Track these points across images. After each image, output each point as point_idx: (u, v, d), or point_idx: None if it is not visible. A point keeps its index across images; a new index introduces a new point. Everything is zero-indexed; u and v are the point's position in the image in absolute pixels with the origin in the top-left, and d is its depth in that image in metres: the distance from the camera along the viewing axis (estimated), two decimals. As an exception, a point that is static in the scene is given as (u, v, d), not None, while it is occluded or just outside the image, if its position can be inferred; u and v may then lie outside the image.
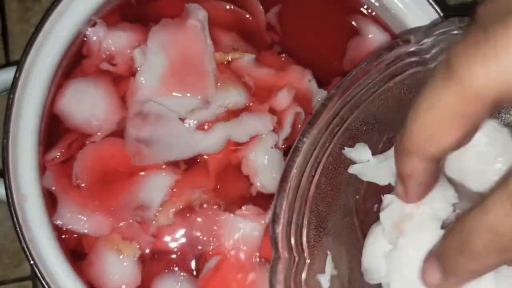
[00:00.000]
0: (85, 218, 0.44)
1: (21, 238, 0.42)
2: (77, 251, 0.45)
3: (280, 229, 0.36)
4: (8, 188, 0.43)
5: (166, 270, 0.45)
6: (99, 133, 0.46)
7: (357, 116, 0.38)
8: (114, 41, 0.46)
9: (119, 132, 0.46)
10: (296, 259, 0.37)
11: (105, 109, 0.46)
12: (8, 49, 0.59)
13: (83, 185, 0.45)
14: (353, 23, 0.50)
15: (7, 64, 0.58)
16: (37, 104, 0.44)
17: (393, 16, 0.48)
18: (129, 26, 0.47)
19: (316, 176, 0.38)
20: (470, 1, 0.62)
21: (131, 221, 0.45)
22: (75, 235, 0.45)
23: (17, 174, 0.43)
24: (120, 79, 0.46)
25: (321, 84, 0.48)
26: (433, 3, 0.46)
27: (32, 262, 0.42)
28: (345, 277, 0.39)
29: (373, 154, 0.39)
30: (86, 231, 0.45)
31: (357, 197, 0.41)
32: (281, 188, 0.37)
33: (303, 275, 0.37)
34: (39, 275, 0.42)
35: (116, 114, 0.46)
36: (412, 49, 0.37)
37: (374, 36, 0.49)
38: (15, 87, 0.43)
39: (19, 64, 0.44)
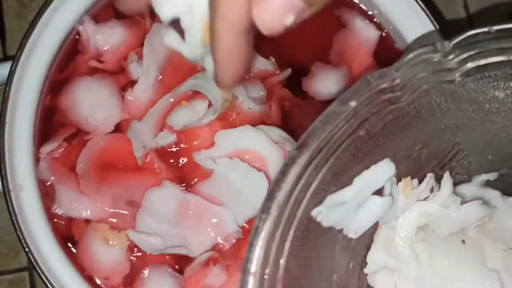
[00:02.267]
0: (82, 205, 0.45)
1: (17, 227, 0.44)
2: (70, 237, 0.47)
3: None
4: (4, 178, 0.44)
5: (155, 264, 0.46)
6: (96, 133, 0.47)
7: (324, 175, 0.32)
8: (102, 38, 0.47)
9: (119, 127, 0.47)
10: None
11: (106, 111, 0.47)
12: (5, 45, 0.60)
13: (80, 172, 0.46)
14: (340, 15, 0.51)
15: (5, 59, 0.59)
16: (32, 97, 0.45)
17: (379, 10, 0.49)
18: (117, 23, 0.48)
19: (283, 259, 0.31)
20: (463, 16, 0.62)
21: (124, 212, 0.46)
22: (65, 223, 0.46)
23: (13, 164, 0.44)
24: (108, 75, 0.47)
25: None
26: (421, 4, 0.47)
27: (27, 249, 0.43)
28: None
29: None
30: (85, 216, 0.46)
31: (332, 267, 0.36)
32: (243, 283, 0.30)
33: None
34: (34, 262, 0.43)
35: (115, 117, 0.47)
36: (383, 86, 0.31)
37: (361, 29, 0.50)
38: (11, 80, 0.44)
39: (15, 58, 0.45)
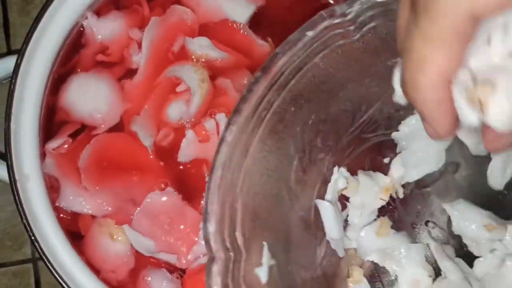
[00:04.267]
0: (85, 200, 0.46)
1: (23, 216, 0.44)
2: (75, 232, 0.47)
3: (212, 228, 0.34)
4: (10, 169, 0.45)
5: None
6: (103, 126, 0.47)
7: (284, 97, 0.36)
8: (106, 32, 0.48)
9: (121, 125, 0.48)
10: (232, 256, 0.35)
11: (107, 103, 0.47)
12: (9, 40, 0.61)
13: (82, 167, 0.46)
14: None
15: (9, 53, 0.60)
16: (37, 89, 0.46)
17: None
18: (118, 15, 0.49)
19: (245, 165, 0.35)
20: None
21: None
22: (71, 217, 0.47)
23: (19, 155, 0.45)
24: (114, 66, 0.48)
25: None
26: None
27: (33, 238, 0.44)
28: (284, 264, 0.39)
29: (303, 133, 0.39)
30: (87, 211, 0.46)
31: (288, 182, 0.40)
32: (210, 184, 0.34)
33: (241, 272, 0.35)
34: (39, 250, 0.44)
35: (119, 107, 0.48)
36: (336, 21, 0.35)
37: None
38: (16, 73, 0.45)
39: (20, 51, 0.45)
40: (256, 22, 0.50)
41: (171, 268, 0.47)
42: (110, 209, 0.46)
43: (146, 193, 0.46)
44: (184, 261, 0.46)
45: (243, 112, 0.35)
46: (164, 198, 0.46)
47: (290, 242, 0.40)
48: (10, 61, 0.47)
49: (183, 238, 0.46)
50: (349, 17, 0.35)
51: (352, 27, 0.36)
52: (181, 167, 0.48)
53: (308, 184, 0.41)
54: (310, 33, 0.35)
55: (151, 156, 0.47)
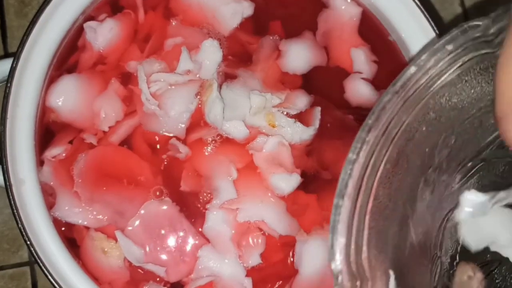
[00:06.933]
0: (80, 212, 0.46)
1: (18, 220, 0.44)
2: (72, 239, 0.47)
3: (339, 254, 0.32)
4: (5, 173, 0.44)
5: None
6: (96, 128, 0.47)
7: (416, 114, 0.34)
8: (103, 42, 0.48)
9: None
10: (359, 285, 0.33)
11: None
12: (6, 42, 0.60)
13: (80, 180, 0.46)
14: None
15: (6, 56, 0.60)
16: (33, 93, 0.46)
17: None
18: (114, 23, 0.48)
19: (374, 188, 0.33)
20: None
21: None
22: (67, 226, 0.46)
23: (15, 159, 0.45)
24: (110, 71, 0.48)
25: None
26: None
27: (28, 242, 0.44)
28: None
29: (431, 153, 0.37)
30: (81, 222, 0.46)
31: (413, 204, 0.38)
32: (337, 206, 0.32)
33: None
34: (35, 255, 0.44)
35: (117, 113, 0.47)
36: (478, 35, 0.33)
37: (342, 7, 0.50)
38: (12, 76, 0.45)
39: (16, 54, 0.45)
40: (254, 21, 0.49)
41: (161, 281, 0.46)
42: (104, 220, 0.46)
43: (140, 206, 0.46)
44: (170, 274, 0.46)
45: (373, 130, 0.32)
46: (160, 207, 0.46)
47: (408, 268, 0.38)
48: (6, 64, 0.46)
49: (175, 250, 0.46)
50: (492, 30, 0.33)
51: (495, 42, 0.33)
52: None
53: (430, 207, 0.39)
54: (449, 47, 0.33)
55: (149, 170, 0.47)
